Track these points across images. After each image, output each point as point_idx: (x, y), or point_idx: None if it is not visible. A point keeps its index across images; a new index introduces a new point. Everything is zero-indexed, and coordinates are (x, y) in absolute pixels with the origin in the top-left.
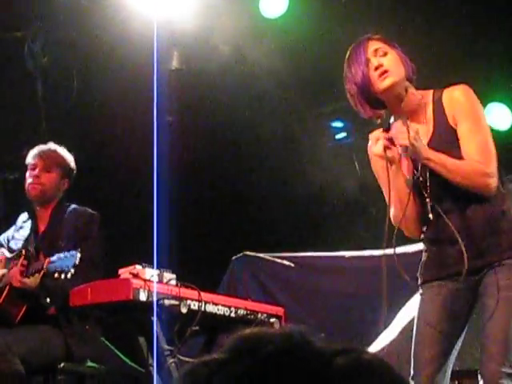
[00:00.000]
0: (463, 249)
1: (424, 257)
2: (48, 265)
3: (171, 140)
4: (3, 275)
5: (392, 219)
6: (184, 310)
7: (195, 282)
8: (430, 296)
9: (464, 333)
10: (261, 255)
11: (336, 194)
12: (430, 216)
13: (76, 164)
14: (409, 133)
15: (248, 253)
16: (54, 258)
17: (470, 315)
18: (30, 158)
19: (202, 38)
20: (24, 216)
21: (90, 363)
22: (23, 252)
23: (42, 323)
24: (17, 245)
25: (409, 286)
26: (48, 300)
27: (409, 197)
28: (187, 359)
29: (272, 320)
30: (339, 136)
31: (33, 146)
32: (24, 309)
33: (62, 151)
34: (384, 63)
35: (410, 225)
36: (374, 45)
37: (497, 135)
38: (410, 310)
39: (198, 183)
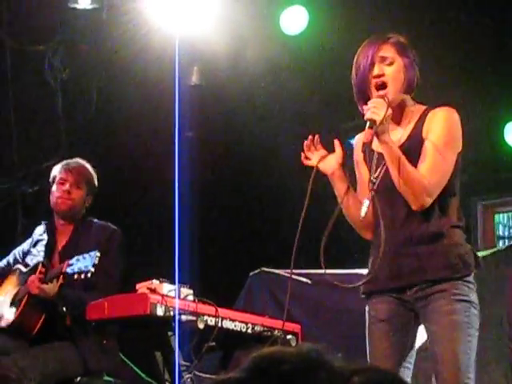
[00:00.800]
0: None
1: (368, 267)
2: (67, 267)
3: (192, 155)
4: (19, 290)
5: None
6: (201, 326)
7: (212, 298)
8: (374, 313)
9: (415, 349)
10: (278, 271)
11: None
12: (363, 212)
13: (97, 179)
14: (387, 111)
15: (265, 269)
16: (72, 261)
17: (416, 331)
18: (58, 171)
19: (222, 55)
20: (40, 229)
21: (106, 377)
22: (40, 264)
23: (58, 336)
24: (32, 260)
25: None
26: (65, 309)
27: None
28: (203, 375)
29: (288, 337)
30: None
31: (52, 160)
32: (42, 319)
33: (90, 167)
34: (386, 73)
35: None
36: (384, 51)
37: (509, 153)
38: (423, 328)
39: (218, 199)
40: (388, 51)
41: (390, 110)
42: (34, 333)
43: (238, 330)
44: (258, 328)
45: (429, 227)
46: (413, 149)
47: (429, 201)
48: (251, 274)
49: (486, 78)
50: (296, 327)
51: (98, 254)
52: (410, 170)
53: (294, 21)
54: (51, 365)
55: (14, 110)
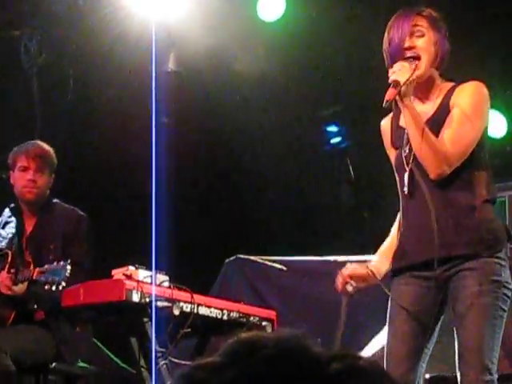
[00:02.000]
0: (435, 236)
1: (395, 246)
2: (38, 276)
3: (169, 141)
4: None
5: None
6: (176, 312)
7: (188, 285)
8: (398, 294)
9: (436, 334)
10: (254, 258)
11: (329, 198)
12: (405, 189)
13: (71, 164)
14: (412, 74)
15: (241, 256)
16: (43, 269)
17: (441, 314)
18: (19, 158)
19: (199, 41)
20: (8, 211)
21: (81, 363)
22: (9, 254)
23: (33, 324)
24: (1, 243)
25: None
26: (36, 306)
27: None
28: (179, 361)
29: (264, 323)
30: (334, 141)
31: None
32: (13, 314)
33: (46, 147)
34: (417, 45)
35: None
36: (417, 21)
37: (492, 142)
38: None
39: (195, 185)
40: (421, 22)
41: (415, 74)
42: (8, 324)
43: (214, 316)
44: (233, 314)
45: (460, 200)
46: (440, 121)
47: (447, 170)
48: (227, 260)
49: (460, 66)
50: (271, 314)
51: (69, 266)
52: (430, 137)
53: (271, 7)
54: (26, 342)
55: None
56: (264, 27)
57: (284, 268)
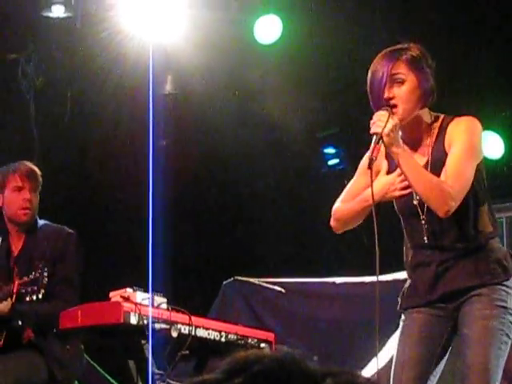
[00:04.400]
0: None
1: (406, 284)
2: (18, 288)
3: (166, 164)
4: None
5: (335, 208)
6: (174, 334)
7: (186, 307)
8: (408, 322)
9: (444, 361)
10: (251, 280)
11: (328, 220)
12: (426, 239)
13: (69, 186)
14: (387, 122)
15: (239, 278)
16: (23, 281)
17: (449, 343)
18: (12, 178)
19: (196, 64)
20: None
21: None
22: None
23: (24, 346)
24: None
25: (399, 313)
26: (20, 323)
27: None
28: (177, 383)
29: (262, 345)
30: (332, 162)
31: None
32: (4, 333)
33: (34, 166)
34: (396, 95)
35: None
36: (396, 70)
37: (489, 164)
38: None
39: (191, 207)
40: (400, 70)
41: (395, 120)
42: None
43: (212, 338)
44: (231, 336)
45: (467, 238)
46: (438, 162)
47: (453, 205)
48: (224, 282)
49: (458, 87)
50: (269, 335)
51: (46, 273)
52: (430, 177)
53: (268, 30)
54: (20, 371)
55: None
56: (261, 50)
57: (282, 290)
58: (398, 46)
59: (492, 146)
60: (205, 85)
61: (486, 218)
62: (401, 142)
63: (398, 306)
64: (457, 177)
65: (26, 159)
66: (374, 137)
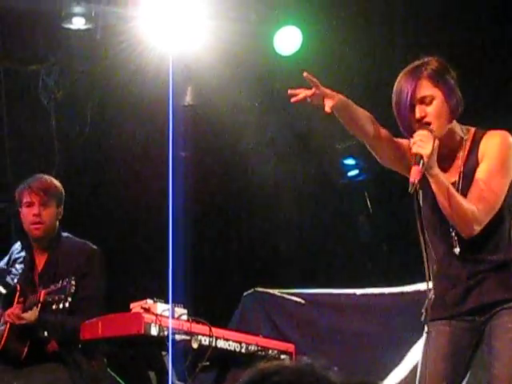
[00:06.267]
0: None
1: (431, 294)
2: (44, 297)
3: (186, 175)
4: (1, 315)
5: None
6: (195, 346)
7: (206, 318)
8: (435, 334)
9: (468, 374)
10: (271, 291)
11: (348, 231)
12: (457, 251)
13: (89, 197)
14: (433, 143)
15: (259, 289)
16: (50, 290)
17: (474, 356)
18: (22, 194)
19: (216, 75)
20: (17, 247)
21: None
22: (18, 288)
23: (48, 357)
24: (13, 280)
25: (419, 324)
26: (46, 333)
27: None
28: None
29: (282, 356)
30: (351, 173)
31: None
32: (28, 345)
33: (51, 180)
34: (428, 112)
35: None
36: (422, 89)
37: None
38: (420, 348)
39: (212, 218)
40: (425, 88)
41: (437, 141)
42: (22, 358)
43: (232, 349)
44: (252, 347)
45: (495, 256)
46: (471, 174)
47: (478, 229)
48: (245, 293)
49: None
50: (290, 347)
51: (74, 282)
52: (459, 201)
53: (288, 41)
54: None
55: (7, 130)
56: (281, 61)
57: (302, 301)
58: (418, 63)
59: None
60: (224, 96)
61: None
62: (436, 164)
63: (423, 317)
64: (485, 198)
65: (46, 171)
66: (416, 158)
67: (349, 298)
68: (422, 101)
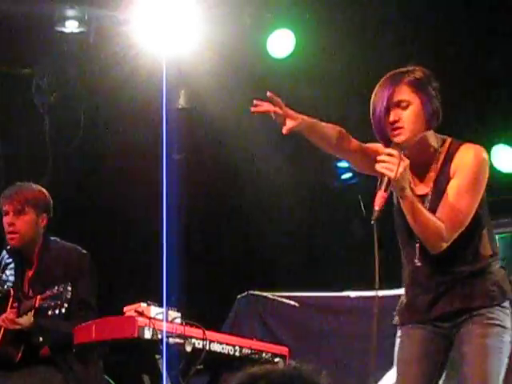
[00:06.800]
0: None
1: (402, 298)
2: (40, 302)
3: (179, 178)
4: None
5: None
6: (189, 349)
7: (200, 321)
8: (406, 337)
9: (441, 380)
10: (265, 294)
11: (341, 234)
12: (417, 262)
13: (82, 201)
14: (398, 167)
15: (253, 292)
16: (45, 295)
17: (446, 361)
18: (1, 203)
19: (210, 78)
20: (5, 253)
21: None
22: (11, 293)
23: (40, 363)
24: (4, 286)
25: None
26: (41, 339)
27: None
28: None
29: (276, 359)
30: (345, 176)
31: (39, 184)
32: (22, 348)
33: (30, 187)
34: (402, 118)
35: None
36: (399, 94)
37: (502, 177)
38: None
39: (205, 221)
40: (403, 94)
41: (407, 161)
42: (16, 361)
43: (226, 352)
44: (245, 351)
45: (463, 268)
46: (441, 195)
47: (445, 246)
48: (238, 296)
49: (469, 101)
50: (284, 350)
51: (70, 288)
52: (428, 220)
53: (281, 44)
54: None
55: (0, 134)
56: (274, 64)
57: (296, 304)
58: (402, 69)
59: (504, 158)
60: (218, 99)
61: (486, 241)
62: (408, 183)
63: (394, 321)
64: (454, 217)
65: (39, 174)
66: (384, 180)
67: (343, 300)
68: (398, 104)
